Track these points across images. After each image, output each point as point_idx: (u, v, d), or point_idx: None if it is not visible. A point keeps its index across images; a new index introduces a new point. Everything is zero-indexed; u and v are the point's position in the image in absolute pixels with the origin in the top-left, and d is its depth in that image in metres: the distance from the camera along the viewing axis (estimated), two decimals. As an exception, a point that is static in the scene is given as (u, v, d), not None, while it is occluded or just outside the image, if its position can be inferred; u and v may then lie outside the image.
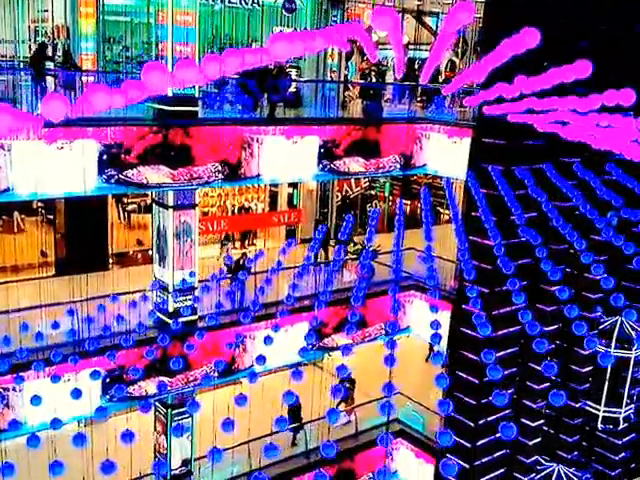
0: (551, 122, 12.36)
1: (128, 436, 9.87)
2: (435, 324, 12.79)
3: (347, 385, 18.24)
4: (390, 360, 12.46)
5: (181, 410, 15.20)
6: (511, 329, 15.58)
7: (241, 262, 16.09)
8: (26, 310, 13.11)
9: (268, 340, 13.82)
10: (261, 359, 12.84)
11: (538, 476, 16.39)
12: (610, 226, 14.12)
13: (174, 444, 15.38)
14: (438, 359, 12.25)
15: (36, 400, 11.82)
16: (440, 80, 19.54)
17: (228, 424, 9.63)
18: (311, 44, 6.45)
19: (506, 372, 16.62)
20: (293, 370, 10.38)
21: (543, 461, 16.66)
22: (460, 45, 19.81)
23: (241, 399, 9.86)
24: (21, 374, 12.22)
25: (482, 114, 14.64)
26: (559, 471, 16.10)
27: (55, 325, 12.81)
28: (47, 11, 16.61)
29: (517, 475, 17.41)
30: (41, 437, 12.36)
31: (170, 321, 14.50)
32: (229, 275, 15.68)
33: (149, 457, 15.57)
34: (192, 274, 14.81)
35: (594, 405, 17.42)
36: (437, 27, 19.61)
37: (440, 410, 10.26)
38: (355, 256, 17.56)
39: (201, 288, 14.85)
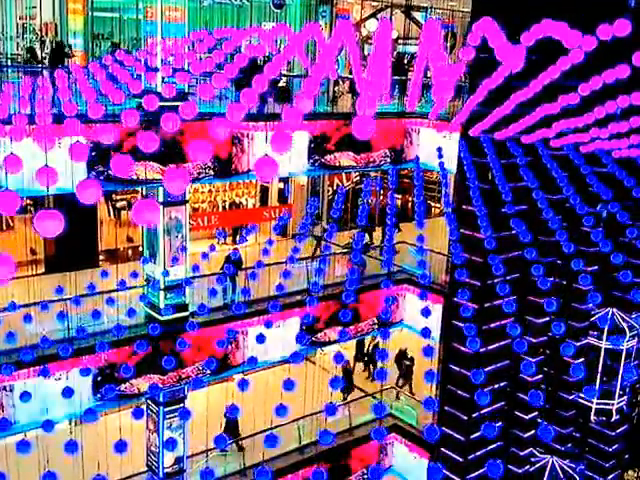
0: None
1: (121, 445, 9.83)
2: (427, 332, 12.81)
3: (407, 363, 18.81)
4: (381, 374, 12.41)
5: (173, 408, 15.13)
6: (503, 321, 15.61)
7: (232, 258, 16.03)
8: (17, 309, 12.98)
9: (260, 338, 13.83)
10: (253, 361, 12.83)
11: (532, 468, 16.41)
12: (600, 224, 14.18)
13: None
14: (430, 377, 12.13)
15: (26, 397, 11.80)
16: (429, 75, 19.51)
17: (222, 438, 9.58)
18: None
19: (499, 365, 16.79)
20: (285, 380, 10.33)
21: (537, 453, 16.68)
22: (449, 39, 19.85)
23: (234, 409, 9.81)
24: (12, 372, 12.11)
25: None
26: (553, 463, 16.11)
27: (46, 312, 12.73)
28: (35, 8, 16.51)
29: (511, 467, 17.44)
30: (32, 433, 12.42)
31: (162, 318, 14.46)
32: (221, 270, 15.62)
33: (141, 454, 15.49)
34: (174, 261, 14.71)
35: (587, 397, 17.45)
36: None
37: (425, 408, 10.17)
38: (347, 250, 17.56)
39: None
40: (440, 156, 16.27)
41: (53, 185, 6.34)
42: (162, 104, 12.90)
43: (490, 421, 15.90)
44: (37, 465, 13.41)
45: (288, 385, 9.10)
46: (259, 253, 14.13)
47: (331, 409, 8.59)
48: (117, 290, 13.66)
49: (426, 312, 13.50)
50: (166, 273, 14.46)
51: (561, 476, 16.13)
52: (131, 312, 13.45)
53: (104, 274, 13.40)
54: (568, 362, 17.32)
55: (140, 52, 14.04)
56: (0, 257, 4.97)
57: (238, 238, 17.58)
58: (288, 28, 14.70)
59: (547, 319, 16.58)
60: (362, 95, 6.67)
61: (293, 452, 16.60)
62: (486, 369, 16.02)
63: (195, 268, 14.56)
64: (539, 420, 17.29)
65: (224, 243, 18.92)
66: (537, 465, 16.19)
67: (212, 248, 14.81)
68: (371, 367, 19.73)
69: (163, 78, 14.00)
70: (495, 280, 13.44)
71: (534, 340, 16.78)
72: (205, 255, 14.19)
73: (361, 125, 6.74)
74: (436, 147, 16.54)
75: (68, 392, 11.20)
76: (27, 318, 12.42)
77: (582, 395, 17.47)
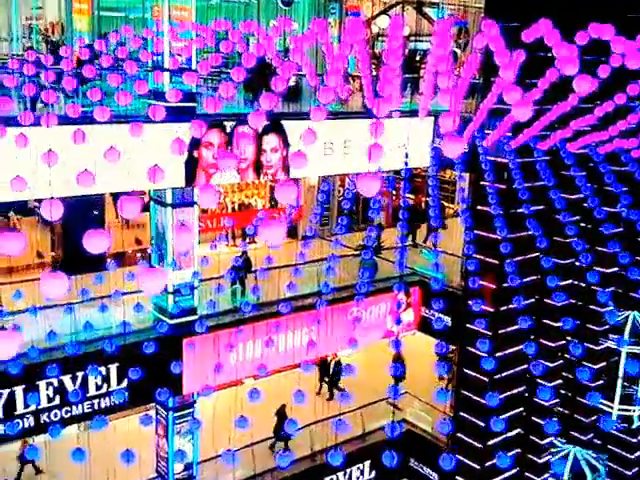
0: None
1: (129, 454, 9.61)
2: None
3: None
4: (395, 368, 12.08)
5: (182, 413, 14.88)
6: (518, 326, 15.21)
7: (241, 260, 15.76)
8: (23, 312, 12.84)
9: (270, 343, 13.59)
10: (262, 368, 12.59)
11: (554, 458, 15.85)
12: (620, 224, 13.76)
13: (176, 448, 15.02)
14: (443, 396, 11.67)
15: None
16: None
17: (229, 454, 9.33)
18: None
19: (516, 369, 16.34)
20: (295, 392, 10.09)
21: (558, 443, 16.21)
22: (462, 36, 19.45)
23: (242, 421, 9.57)
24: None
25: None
26: (575, 454, 15.67)
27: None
28: (41, 8, 16.37)
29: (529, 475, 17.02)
30: (39, 438, 12.24)
31: (170, 321, 14.21)
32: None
33: (151, 459, 15.27)
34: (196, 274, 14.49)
35: (607, 403, 16.99)
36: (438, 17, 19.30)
37: (440, 430, 9.71)
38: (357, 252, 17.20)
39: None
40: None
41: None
42: (167, 105, 12.74)
43: (508, 429, 15.53)
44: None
45: (298, 397, 8.84)
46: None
47: (341, 425, 8.27)
48: (124, 294, 13.42)
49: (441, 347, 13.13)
50: (174, 264, 14.20)
51: (583, 466, 15.67)
52: (139, 315, 13.26)
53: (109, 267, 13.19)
54: (587, 366, 16.90)
55: (146, 30, 13.80)
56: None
57: (248, 239, 17.31)
58: (291, 24, 14.43)
59: (564, 323, 16.14)
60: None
61: (305, 459, 16.31)
62: (502, 374, 15.65)
63: (204, 260, 14.33)
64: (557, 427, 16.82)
65: (233, 245, 18.65)
66: (558, 456, 15.69)
67: (220, 238, 14.49)
68: (334, 389, 18.25)
69: (171, 77, 13.78)
70: (512, 284, 13.08)
71: (553, 345, 16.35)
72: (214, 245, 13.95)
73: (367, 183, 6.43)
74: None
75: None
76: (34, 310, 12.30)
77: (602, 400, 17.00)
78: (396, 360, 17.80)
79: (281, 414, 16.03)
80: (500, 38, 8.23)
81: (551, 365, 16.39)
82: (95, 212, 15.87)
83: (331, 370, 18.40)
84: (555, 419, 12.90)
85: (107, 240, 5.53)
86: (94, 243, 5.31)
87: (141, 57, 13.92)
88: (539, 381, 15.74)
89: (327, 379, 18.46)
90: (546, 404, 16.99)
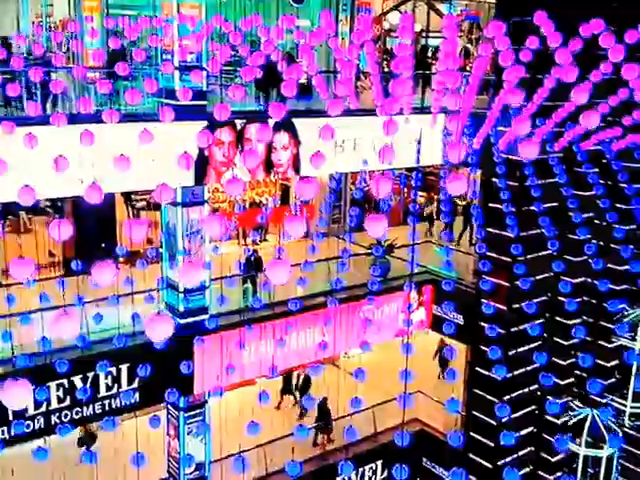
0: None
1: (138, 458, 9.57)
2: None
3: None
4: (405, 375, 11.95)
5: (194, 413, 14.86)
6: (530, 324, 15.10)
7: (252, 259, 15.72)
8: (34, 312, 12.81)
9: (281, 342, 13.51)
10: (273, 370, 12.57)
11: (571, 422, 15.74)
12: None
13: (187, 448, 15.01)
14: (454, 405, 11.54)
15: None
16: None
17: (240, 460, 9.30)
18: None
19: (528, 368, 16.21)
20: (305, 398, 10.00)
21: (576, 407, 16.09)
22: (474, 32, 19.26)
23: (253, 426, 9.53)
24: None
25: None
26: (594, 416, 15.56)
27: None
28: (52, 6, 16.30)
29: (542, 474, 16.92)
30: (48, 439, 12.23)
31: (181, 321, 14.20)
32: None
33: (162, 458, 15.27)
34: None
35: (620, 400, 16.87)
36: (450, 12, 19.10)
37: (452, 442, 9.54)
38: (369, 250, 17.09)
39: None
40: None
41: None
42: (177, 103, 12.67)
43: (520, 427, 15.46)
44: (55, 472, 13.26)
45: (307, 403, 8.77)
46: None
47: (352, 432, 8.21)
48: (134, 293, 13.35)
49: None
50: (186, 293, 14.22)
51: (602, 429, 15.58)
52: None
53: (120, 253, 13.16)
54: (602, 365, 16.77)
55: (156, 19, 13.74)
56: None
57: (259, 238, 17.22)
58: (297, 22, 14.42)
59: (578, 321, 16.02)
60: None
61: (315, 459, 16.27)
62: (515, 373, 15.53)
63: (215, 249, 14.35)
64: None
65: (244, 244, 18.58)
66: (576, 419, 15.58)
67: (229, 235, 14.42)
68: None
69: (181, 76, 13.72)
70: (525, 282, 12.97)
71: (566, 343, 16.23)
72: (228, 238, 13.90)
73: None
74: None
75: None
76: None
77: (615, 398, 16.90)
78: (442, 347, 17.88)
79: (322, 407, 15.99)
80: (510, 54, 8.06)
81: (564, 364, 16.28)
82: (103, 244, 15.99)
83: (299, 384, 17.71)
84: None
85: (114, 272, 5.71)
86: (101, 276, 5.41)
87: (150, 42, 13.84)
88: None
89: (297, 393, 17.74)
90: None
